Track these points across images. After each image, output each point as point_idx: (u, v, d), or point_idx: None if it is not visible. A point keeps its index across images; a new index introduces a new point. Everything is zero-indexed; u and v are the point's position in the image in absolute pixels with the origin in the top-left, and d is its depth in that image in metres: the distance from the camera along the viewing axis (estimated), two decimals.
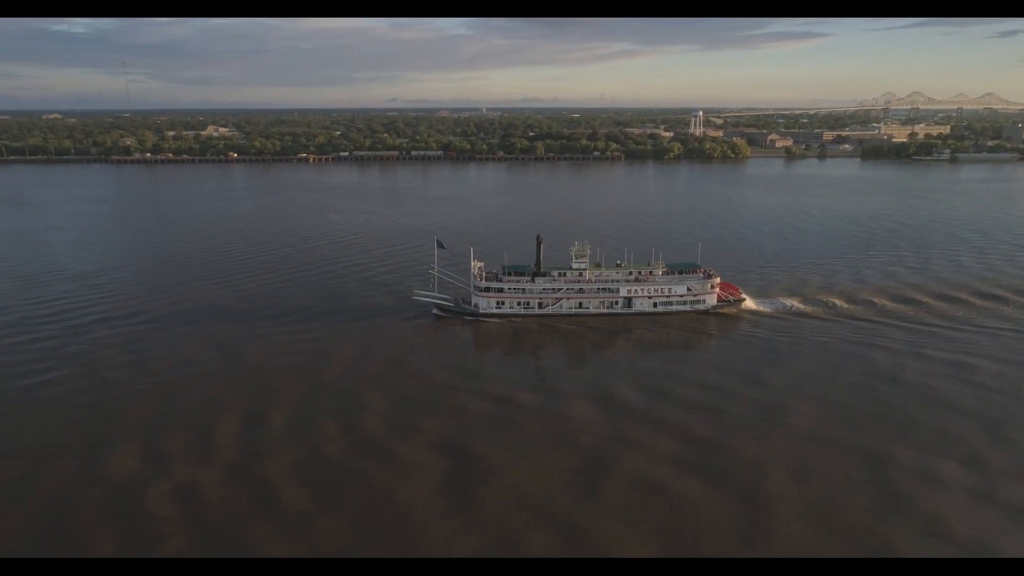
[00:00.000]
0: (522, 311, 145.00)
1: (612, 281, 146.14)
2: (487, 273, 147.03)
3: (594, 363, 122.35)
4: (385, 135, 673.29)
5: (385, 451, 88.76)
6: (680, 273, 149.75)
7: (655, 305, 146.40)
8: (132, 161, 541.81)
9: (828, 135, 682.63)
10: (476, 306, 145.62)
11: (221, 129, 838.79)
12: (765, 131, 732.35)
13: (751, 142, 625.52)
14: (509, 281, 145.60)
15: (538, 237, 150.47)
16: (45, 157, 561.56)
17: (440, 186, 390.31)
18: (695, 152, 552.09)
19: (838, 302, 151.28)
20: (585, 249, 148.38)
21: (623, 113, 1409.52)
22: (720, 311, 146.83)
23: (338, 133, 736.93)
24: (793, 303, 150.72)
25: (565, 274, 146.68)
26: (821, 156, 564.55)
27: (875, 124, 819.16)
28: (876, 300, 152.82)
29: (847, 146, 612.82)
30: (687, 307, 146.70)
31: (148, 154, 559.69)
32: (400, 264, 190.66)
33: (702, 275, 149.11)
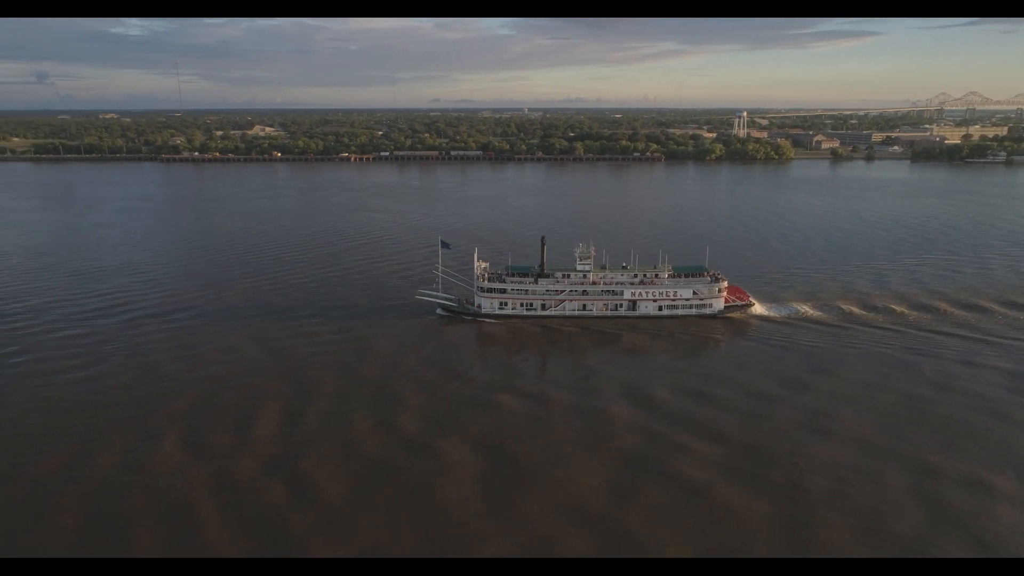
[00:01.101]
0: (524, 312, 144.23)
1: (616, 283, 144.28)
2: (490, 274, 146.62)
3: (600, 367, 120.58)
4: (426, 135, 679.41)
5: (418, 448, 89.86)
6: (686, 276, 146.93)
7: (660, 308, 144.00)
8: (181, 160, 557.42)
9: (877, 136, 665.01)
10: (479, 306, 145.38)
11: (267, 129, 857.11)
12: (811, 132, 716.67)
13: (796, 143, 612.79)
14: (512, 282, 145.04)
15: (542, 238, 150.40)
16: (99, 155, 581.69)
17: (476, 186, 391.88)
18: (737, 153, 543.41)
19: (854, 308, 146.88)
20: (589, 251, 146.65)
21: (666, 114, 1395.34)
22: (727, 315, 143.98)
23: (380, 133, 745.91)
24: (805, 308, 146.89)
25: (569, 276, 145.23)
26: (869, 158, 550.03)
27: (927, 125, 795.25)
28: (895, 307, 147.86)
29: (897, 148, 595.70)
30: (693, 311, 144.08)
31: (196, 153, 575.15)
32: (425, 264, 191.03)
33: (709, 278, 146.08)
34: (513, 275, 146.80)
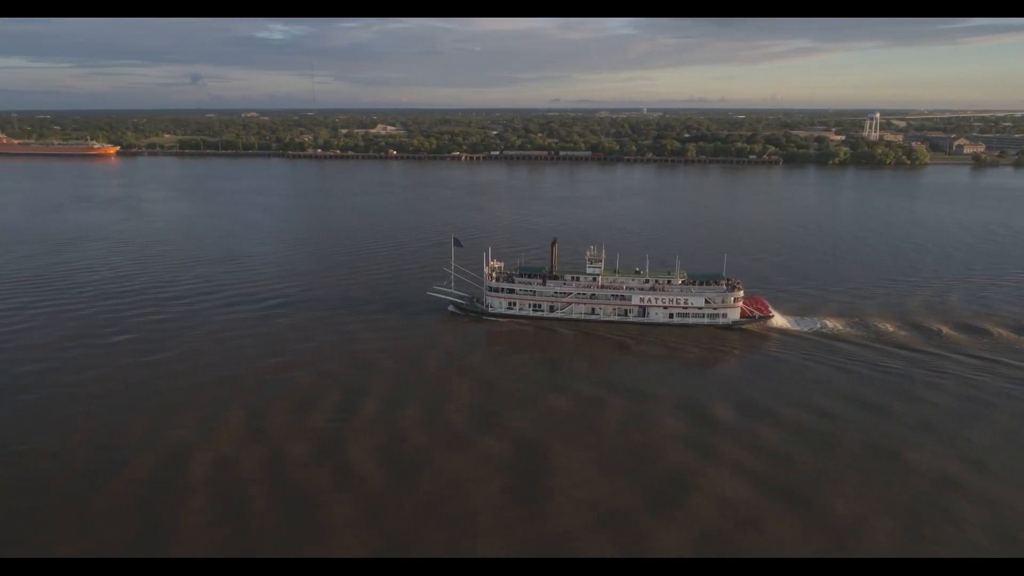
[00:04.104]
0: (532, 313, 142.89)
1: (625, 288, 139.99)
2: (499, 274, 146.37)
3: (602, 371, 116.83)
4: (538, 135, 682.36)
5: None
6: (700, 284, 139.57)
7: (671, 316, 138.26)
8: (305, 156, 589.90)
9: None
10: (489, 306, 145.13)
11: (388, 128, 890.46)
12: (953, 135, 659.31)
13: (933, 147, 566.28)
14: (521, 282, 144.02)
15: (553, 240, 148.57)
16: (234, 151, 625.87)
17: (578, 187, 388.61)
18: (864, 157, 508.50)
19: (890, 327, 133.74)
20: (600, 254, 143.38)
21: (793, 115, 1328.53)
22: (743, 327, 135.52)
23: (495, 133, 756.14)
24: (834, 323, 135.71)
25: (578, 278, 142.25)
26: (1017, 164, 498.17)
27: None
28: (941, 328, 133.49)
29: None
30: (705, 320, 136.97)
31: (319, 150, 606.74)
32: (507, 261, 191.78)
33: (724, 287, 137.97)
34: (523, 275, 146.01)
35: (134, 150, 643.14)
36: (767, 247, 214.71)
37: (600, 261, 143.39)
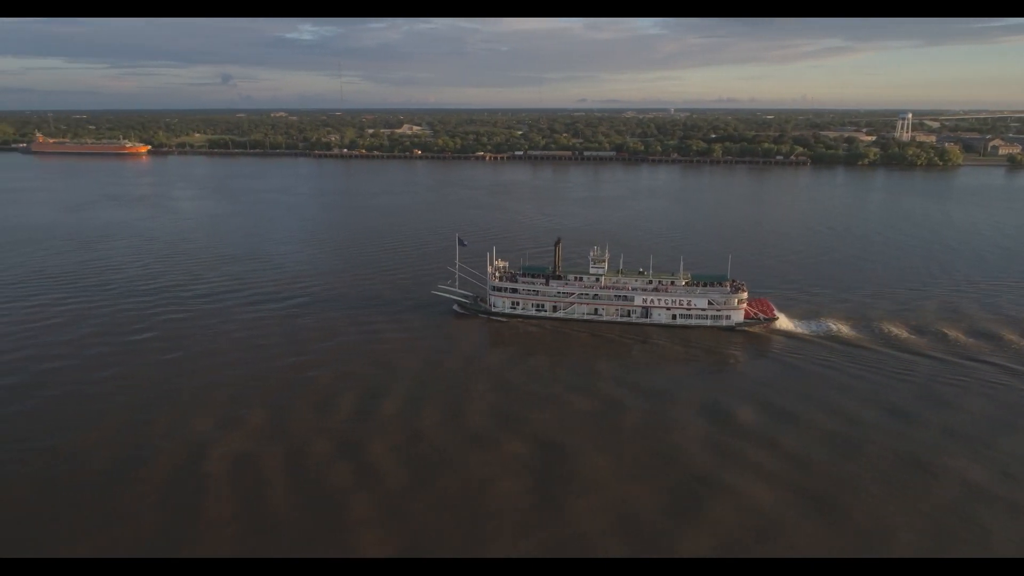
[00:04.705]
0: (535, 313, 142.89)
1: (628, 289, 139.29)
2: (503, 273, 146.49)
3: (614, 373, 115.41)
4: (563, 135, 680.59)
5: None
6: (704, 285, 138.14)
7: (674, 317, 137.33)
8: (331, 156, 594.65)
9: None
10: (492, 305, 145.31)
11: (415, 128, 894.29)
12: (988, 136, 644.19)
13: (967, 148, 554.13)
14: (524, 282, 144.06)
15: (557, 240, 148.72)
16: (262, 151, 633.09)
17: (601, 187, 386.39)
18: (894, 158, 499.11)
19: (899, 331, 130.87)
20: (604, 254, 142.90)
21: (823, 115, 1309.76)
22: (747, 329, 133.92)
23: (520, 133, 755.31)
24: (840, 326, 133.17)
25: (581, 278, 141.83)
26: None
27: None
28: (951, 333, 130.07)
29: None
30: (708, 321, 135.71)
31: (345, 150, 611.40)
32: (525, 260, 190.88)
33: (728, 288, 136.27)
34: (526, 275, 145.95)
35: (165, 149, 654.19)
36: (793, 248, 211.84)
37: (603, 261, 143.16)
